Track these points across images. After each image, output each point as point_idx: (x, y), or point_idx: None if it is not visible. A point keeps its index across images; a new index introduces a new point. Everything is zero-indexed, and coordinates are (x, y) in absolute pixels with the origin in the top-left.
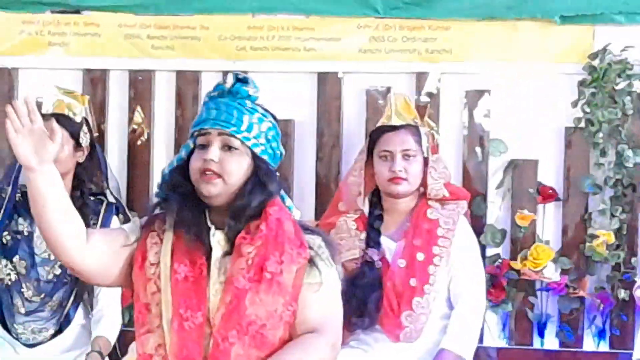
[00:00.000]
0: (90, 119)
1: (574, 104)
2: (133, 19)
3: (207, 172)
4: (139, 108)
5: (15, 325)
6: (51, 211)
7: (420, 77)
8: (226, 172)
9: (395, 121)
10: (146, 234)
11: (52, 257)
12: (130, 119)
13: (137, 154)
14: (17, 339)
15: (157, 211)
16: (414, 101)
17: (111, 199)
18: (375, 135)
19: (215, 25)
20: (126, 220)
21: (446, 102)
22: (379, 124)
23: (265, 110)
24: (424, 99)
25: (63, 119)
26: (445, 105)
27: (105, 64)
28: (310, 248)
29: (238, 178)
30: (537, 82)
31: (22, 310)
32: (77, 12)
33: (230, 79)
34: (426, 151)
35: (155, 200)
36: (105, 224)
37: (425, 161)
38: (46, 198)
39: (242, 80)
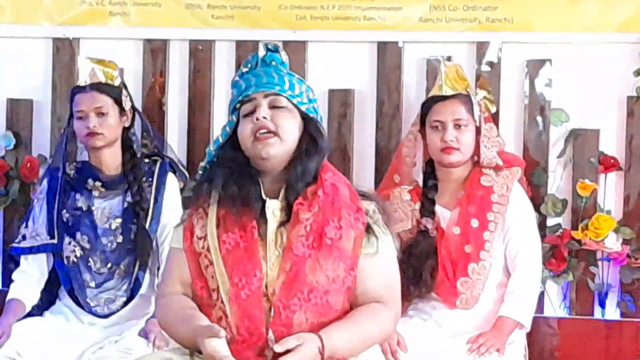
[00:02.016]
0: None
1: (636, 73)
2: None
3: (262, 131)
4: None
5: (87, 299)
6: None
7: (481, 47)
8: (281, 128)
9: (447, 91)
10: (191, 212)
11: (114, 227)
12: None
13: (198, 122)
14: (91, 312)
15: (201, 191)
16: (474, 70)
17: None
18: (427, 106)
19: None
20: (182, 177)
21: (507, 71)
22: (430, 94)
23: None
24: (485, 68)
25: (104, 87)
26: (506, 75)
27: (166, 34)
28: (366, 213)
29: (292, 135)
30: (599, 51)
31: (93, 284)
32: None
33: (262, 49)
34: (478, 120)
35: (203, 174)
36: (161, 182)
37: (478, 130)
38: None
39: (272, 49)
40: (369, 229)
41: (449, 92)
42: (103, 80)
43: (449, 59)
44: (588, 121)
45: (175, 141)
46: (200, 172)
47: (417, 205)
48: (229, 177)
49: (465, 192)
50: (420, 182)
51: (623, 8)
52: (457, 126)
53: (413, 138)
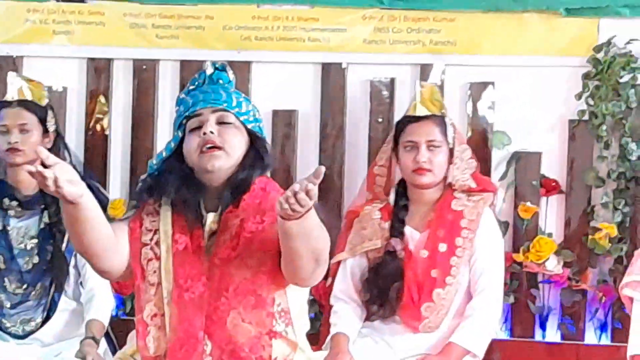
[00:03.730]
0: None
1: (578, 97)
2: (138, 8)
3: (208, 145)
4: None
5: (3, 320)
6: (97, 225)
7: (425, 69)
8: (227, 143)
9: (421, 112)
10: (140, 209)
11: (29, 247)
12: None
13: (141, 141)
14: (7, 332)
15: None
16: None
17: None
18: (401, 126)
19: (220, 14)
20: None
21: (450, 93)
22: (405, 114)
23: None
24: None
25: (30, 104)
26: (449, 97)
27: (110, 53)
28: None
29: (238, 150)
30: (542, 74)
31: (8, 304)
32: (82, 0)
33: (209, 67)
34: (452, 142)
35: (144, 186)
36: None
37: (451, 152)
38: (94, 215)
39: (220, 68)
40: None
41: (424, 113)
42: (30, 98)
43: (392, 81)
44: (530, 144)
45: (119, 160)
46: (141, 184)
47: (387, 225)
48: (179, 186)
49: (435, 215)
50: (391, 201)
51: (566, 32)
52: (430, 147)
53: (386, 157)
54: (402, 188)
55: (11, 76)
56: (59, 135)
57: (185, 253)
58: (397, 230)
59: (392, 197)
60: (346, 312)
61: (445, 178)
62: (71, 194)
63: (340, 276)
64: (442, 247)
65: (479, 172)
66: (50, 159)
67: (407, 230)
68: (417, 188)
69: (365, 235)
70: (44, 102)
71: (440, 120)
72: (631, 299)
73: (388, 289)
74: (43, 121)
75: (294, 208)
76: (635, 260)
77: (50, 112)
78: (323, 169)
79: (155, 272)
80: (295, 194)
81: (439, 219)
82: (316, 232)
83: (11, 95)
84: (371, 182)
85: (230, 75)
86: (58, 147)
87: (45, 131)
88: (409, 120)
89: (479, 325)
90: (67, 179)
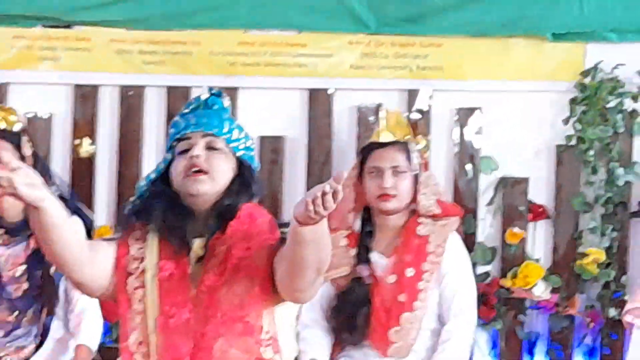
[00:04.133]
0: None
1: (565, 122)
2: (124, 34)
3: (194, 169)
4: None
5: None
6: (64, 232)
7: (412, 94)
8: (213, 168)
9: (385, 138)
10: (128, 232)
11: (18, 274)
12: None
13: (127, 168)
14: None
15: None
16: (405, 116)
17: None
18: (365, 152)
19: (206, 40)
20: (87, 221)
21: (437, 119)
22: (369, 141)
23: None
24: (415, 116)
25: (3, 133)
26: (436, 122)
27: (96, 79)
28: (283, 233)
29: (225, 176)
30: (528, 99)
31: (1, 333)
32: (69, 26)
33: (205, 92)
34: (417, 167)
35: (132, 209)
36: None
37: (416, 178)
38: (60, 221)
39: (216, 94)
40: (284, 240)
41: (388, 139)
42: (2, 127)
43: (379, 106)
44: (517, 169)
45: (105, 187)
46: (129, 206)
47: (354, 252)
48: (165, 211)
49: (401, 241)
50: (357, 228)
51: (552, 57)
52: (395, 173)
53: (350, 184)
54: (368, 214)
55: None
56: (37, 158)
57: (170, 280)
58: (363, 256)
59: (357, 224)
60: (315, 339)
61: (410, 204)
62: (29, 197)
63: (308, 304)
64: (409, 272)
65: (442, 198)
66: (13, 163)
67: (374, 256)
68: (382, 214)
69: (332, 263)
70: (17, 127)
71: (404, 146)
72: (631, 326)
73: (356, 315)
74: (18, 147)
75: (318, 210)
76: (639, 288)
77: (24, 137)
78: (344, 173)
79: (140, 300)
80: (323, 195)
81: (405, 244)
82: (325, 239)
83: None
84: (337, 209)
85: (226, 101)
86: (37, 170)
87: (22, 157)
88: (374, 146)
89: (457, 348)
90: (26, 183)
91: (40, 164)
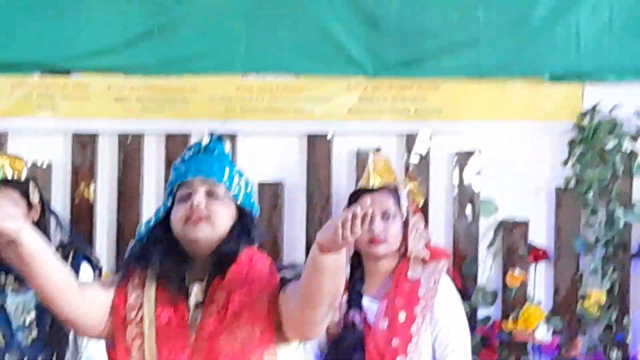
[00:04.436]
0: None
1: (564, 163)
2: (122, 81)
3: (194, 217)
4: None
5: None
6: (45, 264)
7: (410, 137)
8: (214, 215)
9: (374, 183)
10: (126, 279)
11: (28, 322)
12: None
13: (127, 215)
14: None
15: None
16: (403, 161)
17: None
18: (355, 197)
19: (204, 86)
20: (95, 266)
21: (436, 161)
22: (358, 186)
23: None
24: (414, 158)
25: (10, 182)
26: (435, 165)
27: (95, 126)
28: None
29: (225, 223)
30: (527, 140)
31: None
32: (67, 74)
33: (206, 137)
34: (406, 212)
35: (131, 254)
36: (75, 272)
37: (405, 222)
38: (40, 252)
39: (216, 139)
40: (283, 281)
41: (377, 184)
42: (10, 177)
43: (378, 149)
44: (517, 212)
45: (105, 235)
46: (128, 252)
47: (345, 297)
48: (163, 257)
49: (392, 285)
50: (347, 273)
51: (550, 97)
52: (385, 218)
53: None
54: (357, 260)
55: None
56: (45, 205)
57: (169, 326)
58: (354, 301)
59: (347, 269)
60: None
61: (399, 248)
62: (5, 229)
63: (303, 352)
64: (402, 317)
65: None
66: None
67: (365, 301)
68: (372, 259)
69: None
70: (24, 176)
71: (393, 190)
72: None
73: None
74: (26, 195)
75: (346, 235)
76: None
77: (31, 185)
78: (368, 199)
79: (139, 348)
80: (354, 218)
81: (396, 288)
82: (342, 270)
83: None
84: None
85: (227, 146)
86: (46, 217)
87: (30, 204)
88: (363, 191)
89: None
90: (3, 215)
91: (49, 211)
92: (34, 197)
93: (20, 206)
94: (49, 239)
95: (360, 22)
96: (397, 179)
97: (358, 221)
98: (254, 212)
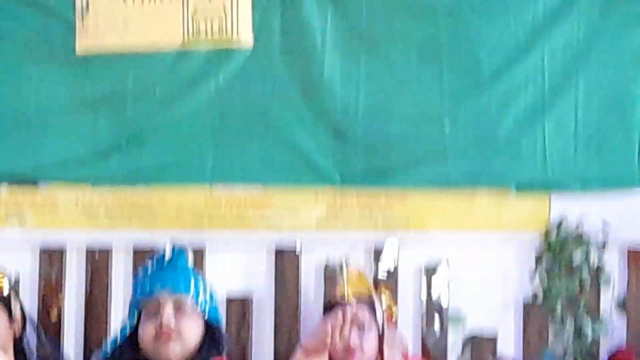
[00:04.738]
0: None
1: (532, 275)
2: (90, 192)
3: (164, 335)
4: None
5: None
6: None
7: (379, 247)
8: (183, 332)
9: (349, 297)
10: None
11: None
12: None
13: (94, 329)
14: None
15: None
16: (372, 271)
17: None
18: (328, 309)
19: (172, 198)
20: None
21: (404, 272)
22: (332, 299)
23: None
24: (382, 269)
25: None
26: (403, 276)
27: (62, 238)
28: None
29: (194, 338)
30: (495, 251)
31: None
32: (35, 184)
33: (168, 250)
34: (381, 324)
35: None
36: None
37: (381, 332)
38: None
39: (178, 251)
40: None
41: (352, 299)
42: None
43: (346, 261)
44: (485, 324)
45: (72, 349)
46: None
47: None
48: None
49: None
50: None
51: (517, 208)
52: (360, 329)
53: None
54: None
55: None
56: (27, 319)
57: None
58: None
59: None
60: None
61: (376, 358)
62: None
63: None
64: None
65: (408, 354)
66: None
67: None
68: None
69: None
70: (6, 289)
71: (369, 303)
72: None
73: None
74: (8, 309)
75: (335, 340)
76: None
77: (13, 298)
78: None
79: None
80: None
81: None
82: None
83: None
84: None
85: (189, 258)
86: (26, 330)
87: (11, 317)
88: (337, 303)
89: None
90: None
91: (31, 325)
92: (16, 311)
93: (2, 320)
94: (31, 353)
95: (327, 133)
96: (371, 289)
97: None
98: (220, 323)
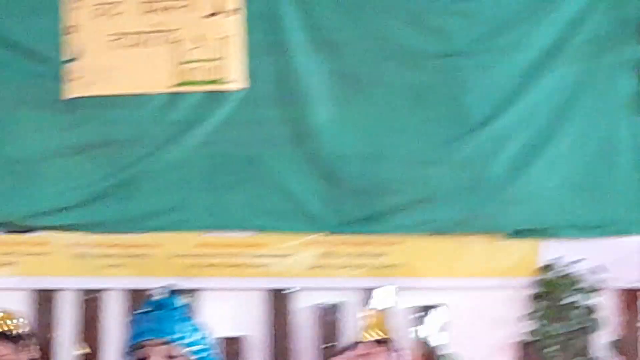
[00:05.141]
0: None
1: (525, 318)
2: (83, 237)
3: None
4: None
5: None
6: None
7: (370, 293)
8: None
9: (371, 338)
10: None
11: None
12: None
13: None
14: None
15: None
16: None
17: None
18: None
19: (166, 242)
20: None
21: (397, 317)
22: (354, 341)
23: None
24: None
25: (8, 336)
26: (397, 321)
27: (55, 283)
28: None
29: None
30: (487, 296)
31: None
32: (28, 230)
33: (158, 293)
34: None
35: None
36: None
37: None
38: None
39: (169, 293)
40: None
41: (374, 339)
42: (3, 328)
43: (338, 305)
44: None
45: None
46: None
47: None
48: None
49: None
50: None
51: (508, 253)
52: None
53: None
54: None
55: None
56: None
57: None
58: None
59: None
60: None
61: None
62: None
63: None
64: None
65: None
66: None
67: None
68: None
69: None
70: (18, 331)
71: (386, 344)
72: None
73: None
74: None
75: None
76: None
77: (32, 340)
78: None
79: None
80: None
81: None
82: None
83: None
84: None
85: (181, 300)
86: None
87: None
88: (357, 345)
89: None
90: None
91: None
92: (34, 353)
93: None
94: None
95: (319, 179)
96: (389, 333)
97: None
98: None
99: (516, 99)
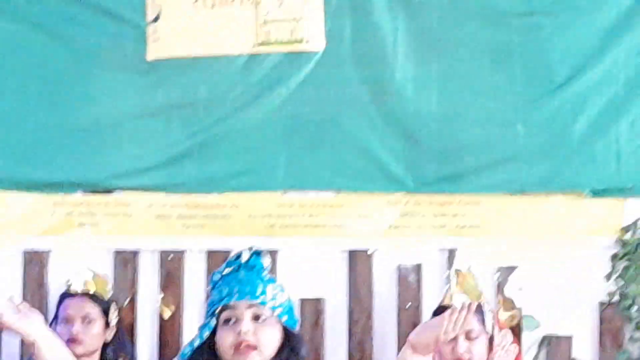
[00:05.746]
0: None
1: (607, 278)
2: (163, 198)
3: (243, 345)
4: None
5: None
6: None
7: (451, 253)
8: (262, 343)
9: (456, 300)
10: None
11: None
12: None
13: (168, 335)
14: None
15: None
16: (445, 277)
17: None
18: (438, 312)
19: (245, 203)
20: None
21: (479, 278)
22: (440, 303)
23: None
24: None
25: (94, 297)
26: (479, 282)
27: (136, 243)
28: None
29: (273, 347)
30: (569, 256)
31: None
32: (108, 192)
33: (246, 253)
34: (491, 330)
35: None
36: None
37: (491, 340)
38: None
39: (256, 253)
40: None
41: (459, 302)
42: (93, 291)
43: (419, 266)
44: (560, 327)
45: (146, 355)
46: None
47: None
48: None
49: None
50: None
51: (591, 213)
52: (468, 337)
53: None
54: None
55: (78, 268)
56: (120, 330)
57: None
58: None
59: None
60: None
61: None
62: (19, 329)
63: None
64: None
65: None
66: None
67: None
68: None
69: None
70: (107, 296)
71: (477, 308)
72: None
73: None
74: (106, 314)
75: (448, 330)
76: None
77: (113, 306)
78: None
79: None
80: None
81: None
82: None
83: (76, 287)
84: None
85: (266, 261)
86: (120, 341)
87: (107, 324)
88: (444, 309)
89: None
90: (17, 314)
91: (121, 336)
92: (113, 319)
93: (98, 321)
94: None
95: (399, 139)
96: (480, 295)
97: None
98: (296, 329)
99: (600, 57)
